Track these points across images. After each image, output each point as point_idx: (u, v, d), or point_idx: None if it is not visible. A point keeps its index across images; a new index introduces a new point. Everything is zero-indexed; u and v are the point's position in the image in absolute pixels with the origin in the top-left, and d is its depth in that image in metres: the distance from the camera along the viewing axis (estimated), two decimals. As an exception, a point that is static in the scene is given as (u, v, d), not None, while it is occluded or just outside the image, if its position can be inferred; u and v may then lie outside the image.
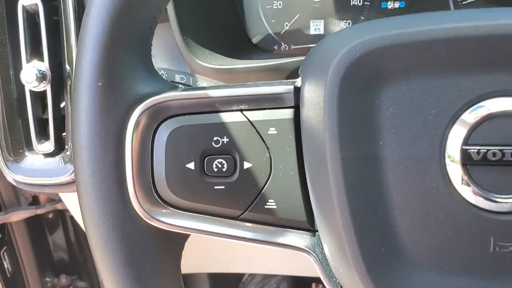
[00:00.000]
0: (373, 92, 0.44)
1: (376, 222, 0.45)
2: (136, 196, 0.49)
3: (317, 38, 0.85)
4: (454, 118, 0.44)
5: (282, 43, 0.86)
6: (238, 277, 1.56)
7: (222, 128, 0.49)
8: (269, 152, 0.49)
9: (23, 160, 0.79)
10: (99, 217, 0.48)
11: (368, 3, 0.84)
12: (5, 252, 1.31)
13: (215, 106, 0.50)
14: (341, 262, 0.47)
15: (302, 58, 0.78)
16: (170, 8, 0.75)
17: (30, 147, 0.79)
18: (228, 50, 0.81)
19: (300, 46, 0.86)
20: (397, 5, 0.83)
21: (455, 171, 0.44)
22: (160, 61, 0.82)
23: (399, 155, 0.44)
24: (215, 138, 0.49)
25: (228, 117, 0.50)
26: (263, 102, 0.50)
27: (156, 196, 0.50)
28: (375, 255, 0.45)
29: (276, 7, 0.85)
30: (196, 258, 1.11)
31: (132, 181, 0.48)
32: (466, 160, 0.43)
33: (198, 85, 0.69)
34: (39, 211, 1.31)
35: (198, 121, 0.50)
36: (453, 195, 0.44)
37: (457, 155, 0.44)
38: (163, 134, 0.49)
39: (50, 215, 1.45)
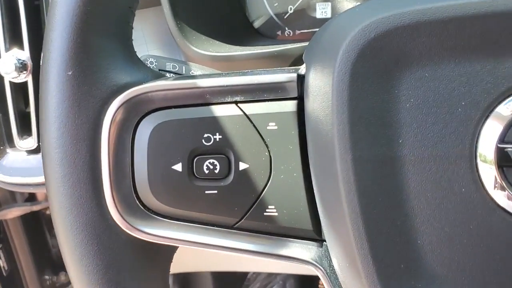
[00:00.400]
0: (391, 80, 0.38)
1: (394, 234, 0.38)
2: (115, 203, 0.42)
3: (324, 22, 0.78)
4: (487, 111, 0.37)
5: (286, 28, 0.79)
6: (243, 273, 1.51)
7: (214, 123, 0.43)
8: (268, 150, 0.43)
9: (4, 157, 0.73)
10: (71, 228, 0.42)
11: (380, -17, 0.76)
12: (0, 251, 1.26)
13: (205, 98, 0.43)
14: (353, 279, 0.40)
15: (306, 44, 0.71)
16: (162, -11, 0.68)
17: (11, 143, 0.73)
18: (226, 35, 0.75)
19: (306, 31, 0.79)
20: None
21: (488, 174, 0.37)
22: (152, 48, 0.75)
23: (421, 155, 0.38)
24: (205, 135, 0.43)
25: (220, 111, 0.43)
26: (261, 93, 0.43)
27: (138, 203, 0.43)
28: (393, 272, 0.38)
29: (279, -12, 0.78)
30: (197, 257, 1.05)
31: (110, 185, 0.42)
32: (502, 161, 0.37)
33: (191, 74, 0.62)
34: (35, 208, 1.27)
35: (186, 115, 0.43)
36: (486, 202, 0.38)
37: (491, 155, 0.37)
38: (145, 131, 0.43)
39: (48, 211, 1.40)
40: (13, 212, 1.24)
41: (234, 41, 0.75)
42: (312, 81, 0.40)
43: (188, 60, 0.74)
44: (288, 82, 0.43)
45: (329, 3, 0.78)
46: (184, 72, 0.62)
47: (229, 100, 0.43)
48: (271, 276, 1.50)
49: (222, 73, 0.45)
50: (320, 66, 0.40)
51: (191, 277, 1.39)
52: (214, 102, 0.43)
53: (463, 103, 0.37)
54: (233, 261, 1.09)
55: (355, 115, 0.37)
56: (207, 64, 0.71)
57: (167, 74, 0.61)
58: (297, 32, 0.79)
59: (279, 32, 0.80)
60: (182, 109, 0.43)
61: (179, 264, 1.01)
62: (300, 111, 0.42)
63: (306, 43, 0.71)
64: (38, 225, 1.39)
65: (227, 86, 0.43)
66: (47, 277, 1.43)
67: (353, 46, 0.37)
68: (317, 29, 0.79)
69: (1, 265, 1.27)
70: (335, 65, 0.38)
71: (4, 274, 1.28)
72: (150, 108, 0.43)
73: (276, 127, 0.43)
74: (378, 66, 0.37)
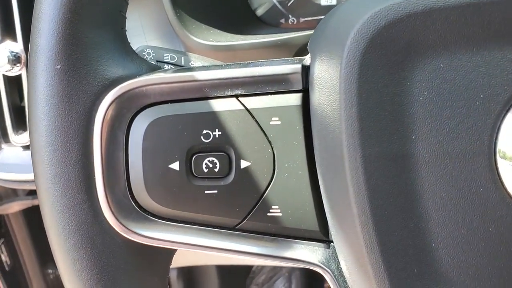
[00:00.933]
0: (403, 71, 0.35)
1: (406, 236, 0.36)
2: (109, 204, 0.40)
3: (329, 9, 0.75)
4: (508, 104, 0.34)
5: (290, 16, 0.77)
6: (248, 266, 1.50)
7: (213, 119, 0.40)
8: (271, 147, 0.40)
9: (-1, 153, 0.70)
10: (63, 231, 0.39)
11: (388, -33, 0.73)
12: (2, 245, 1.25)
13: (204, 92, 0.40)
14: (363, 284, 0.37)
15: (312, 32, 0.69)
16: (159, -24, 0.65)
17: (6, 138, 0.70)
18: (227, 24, 0.72)
19: (311, 19, 0.76)
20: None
21: (508, 171, 0.35)
22: (150, 38, 0.72)
23: (436, 152, 0.35)
24: (204, 132, 0.40)
25: (220, 105, 0.40)
26: (263, 86, 0.40)
27: (133, 204, 0.41)
28: (406, 277, 0.36)
29: (282, -26, 0.75)
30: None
31: (103, 186, 0.39)
32: None
33: (191, 66, 0.60)
34: (37, 202, 1.25)
35: (183, 110, 0.40)
36: (506, 202, 0.35)
37: (511, 151, 0.34)
38: (139, 127, 0.40)
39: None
40: (15, 206, 1.23)
41: (236, 30, 0.72)
42: (318, 72, 0.38)
43: (188, 50, 0.71)
44: (292, 73, 0.40)
45: (335, -11, 0.75)
46: (183, 63, 0.59)
47: (229, 93, 0.41)
48: (276, 268, 1.48)
49: (222, 65, 0.42)
50: (326, 56, 0.37)
51: (196, 269, 1.37)
52: (213, 96, 0.41)
53: (481, 95, 0.34)
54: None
55: (365, 110, 0.35)
56: (208, 54, 0.68)
57: (165, 66, 0.58)
58: (301, 20, 0.76)
59: (282, 20, 0.77)
60: (179, 103, 0.41)
61: (183, 258, 0.99)
62: (305, 104, 0.40)
63: (311, 31, 0.69)
64: (39, 219, 1.37)
65: (227, 78, 0.40)
66: (50, 270, 1.41)
67: (362, 35, 0.34)
68: (322, 17, 0.76)
69: (4, 259, 1.25)
70: (342, 56, 0.35)
71: (7, 268, 1.27)
72: (145, 103, 0.40)
73: (279, 122, 0.40)
74: (389, 56, 0.35)
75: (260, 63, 0.42)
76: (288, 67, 0.40)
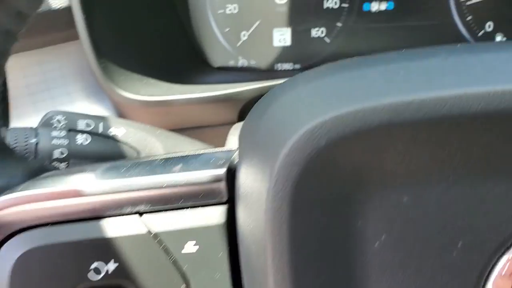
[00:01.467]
0: (351, 207, 0.25)
1: None
2: None
3: (283, 51, 0.66)
4: (495, 257, 0.25)
5: (240, 58, 0.67)
6: None
7: (107, 247, 0.30)
8: (186, 282, 0.30)
9: None
10: None
11: (347, 5, 0.64)
12: None
13: (94, 210, 0.30)
14: None
15: (260, 85, 0.59)
16: (79, 19, 0.55)
17: None
18: (165, 70, 0.62)
19: (263, 69, 0.66)
20: (383, 6, 0.65)
21: None
22: (74, 91, 0.61)
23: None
24: (94, 265, 0.30)
25: (117, 228, 0.31)
26: (175, 199, 0.31)
27: None
28: None
29: (230, 11, 0.66)
30: None
31: None
32: None
33: (110, 134, 0.49)
34: None
35: (66, 236, 0.30)
36: None
37: None
38: (5, 263, 0.30)
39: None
40: None
41: (176, 77, 0.62)
42: (244, 185, 0.28)
43: (116, 105, 0.61)
44: (214, 182, 0.30)
45: (289, 29, 0.66)
46: (100, 131, 0.49)
47: (128, 211, 0.31)
48: None
49: (122, 168, 0.32)
50: (253, 169, 0.28)
51: None
52: (107, 215, 0.31)
53: (460, 243, 0.25)
54: None
55: (297, 260, 0.25)
56: (139, 110, 0.58)
57: (78, 135, 0.48)
58: (252, 62, 0.67)
59: (231, 63, 0.67)
60: (61, 226, 0.30)
61: None
62: (231, 221, 0.30)
63: (258, 85, 0.59)
64: None
65: (126, 191, 0.30)
66: None
67: (294, 158, 0.25)
68: (279, 63, 0.66)
69: None
70: (269, 185, 0.25)
71: None
72: (15, 228, 0.30)
73: (196, 248, 0.30)
74: (332, 187, 0.25)
75: (173, 162, 0.32)
76: (208, 174, 0.31)
